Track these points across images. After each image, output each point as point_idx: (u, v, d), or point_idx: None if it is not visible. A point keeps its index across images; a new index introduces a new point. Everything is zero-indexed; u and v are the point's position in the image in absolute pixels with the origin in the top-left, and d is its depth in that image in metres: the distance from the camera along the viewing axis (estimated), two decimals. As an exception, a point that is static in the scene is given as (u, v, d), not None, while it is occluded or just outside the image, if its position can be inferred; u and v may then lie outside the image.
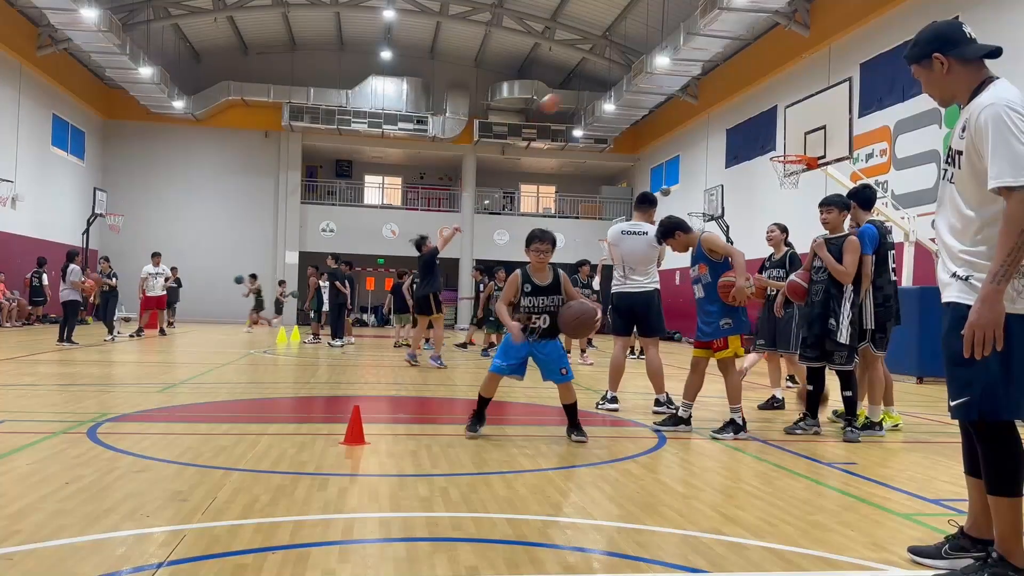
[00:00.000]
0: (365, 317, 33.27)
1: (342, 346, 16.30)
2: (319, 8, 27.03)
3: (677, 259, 11.77)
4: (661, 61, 21.74)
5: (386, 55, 29.89)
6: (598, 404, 7.83)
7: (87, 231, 26.40)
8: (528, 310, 5.91)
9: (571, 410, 5.94)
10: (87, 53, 23.15)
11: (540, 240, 6.00)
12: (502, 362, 5.89)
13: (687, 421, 6.58)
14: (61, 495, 3.82)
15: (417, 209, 32.59)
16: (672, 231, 6.68)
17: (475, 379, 10.56)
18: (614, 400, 7.76)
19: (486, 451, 5.37)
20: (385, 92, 30.70)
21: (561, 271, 6.16)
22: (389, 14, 26.21)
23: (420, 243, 12.86)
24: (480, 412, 5.94)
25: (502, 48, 30.28)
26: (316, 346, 16.69)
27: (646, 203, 8.18)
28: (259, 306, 24.08)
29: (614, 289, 7.93)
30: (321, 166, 33.55)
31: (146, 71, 24.33)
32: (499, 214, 33.07)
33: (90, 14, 19.48)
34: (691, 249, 6.63)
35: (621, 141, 31.11)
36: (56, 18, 20.13)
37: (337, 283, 16.56)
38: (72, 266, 15.04)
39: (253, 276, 24.15)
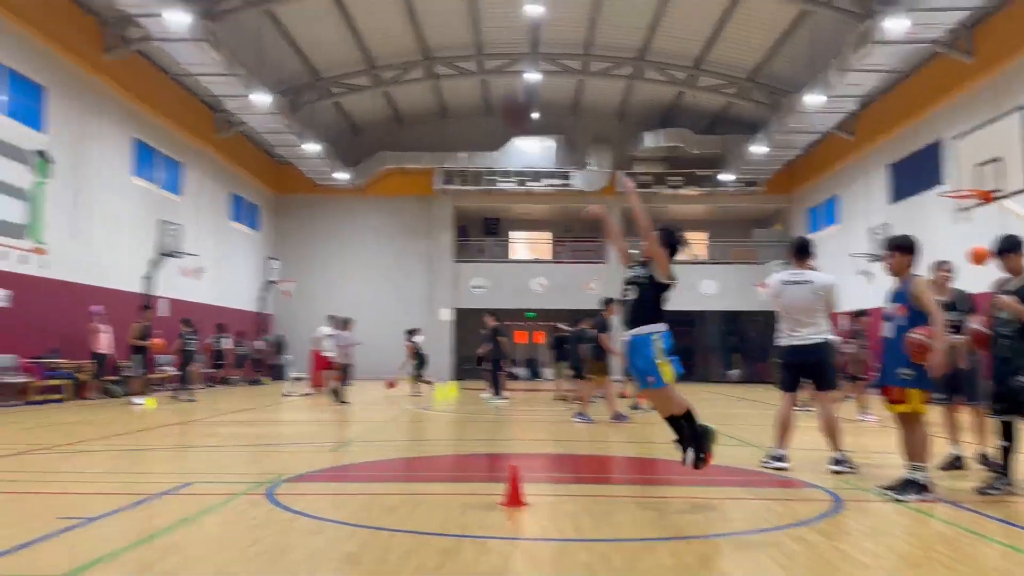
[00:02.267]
0: (517, 370, 33.63)
1: (503, 400, 16.49)
2: (467, 77, 28.24)
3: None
4: (812, 99, 21.05)
5: (531, 116, 30.64)
6: (763, 462, 7.49)
7: (262, 297, 28.42)
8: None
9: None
10: (259, 133, 25.25)
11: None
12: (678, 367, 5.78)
13: (927, 487, 5.78)
14: (247, 556, 4.07)
15: (564, 262, 32.90)
16: (903, 248, 6.19)
17: (631, 436, 10.39)
18: (781, 459, 7.39)
19: (648, 515, 5.24)
20: (530, 150, 31.51)
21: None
22: (533, 77, 26.97)
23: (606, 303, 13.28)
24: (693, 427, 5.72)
25: (644, 98, 30.37)
26: (477, 401, 16.99)
27: (804, 251, 7.85)
28: (421, 364, 20.56)
29: (781, 342, 7.61)
30: (470, 225, 34.64)
31: (311, 147, 26.21)
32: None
33: (262, 99, 21.29)
34: (896, 282, 6.20)
35: (773, 182, 30.20)
36: (232, 104, 22.14)
37: (500, 339, 16.86)
38: (343, 333, 16.90)
39: (411, 332, 20.99)
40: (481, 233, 34.70)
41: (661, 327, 5.83)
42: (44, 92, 16.72)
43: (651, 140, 30.46)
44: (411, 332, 20.57)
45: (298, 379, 20.54)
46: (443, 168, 30.99)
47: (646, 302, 5.90)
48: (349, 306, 29.69)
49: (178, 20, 16.02)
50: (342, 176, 29.71)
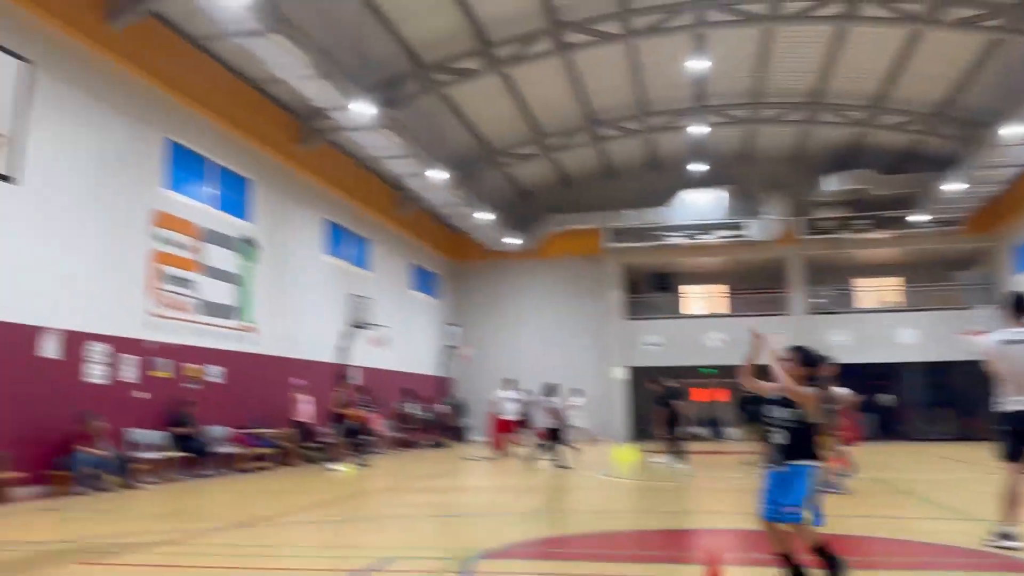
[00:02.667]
0: (699, 430, 32.57)
1: (685, 466, 15.99)
2: (631, 136, 28.39)
3: None
4: (1009, 132, 19.35)
5: (697, 168, 30.29)
6: (987, 540, 6.72)
7: (443, 362, 29.47)
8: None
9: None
10: (436, 207, 26.53)
11: None
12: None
13: None
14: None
15: (741, 315, 31.76)
16: None
17: (836, 507, 9.68)
18: (1010, 536, 6.62)
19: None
20: (698, 203, 30.98)
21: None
22: (698, 130, 26.70)
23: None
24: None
25: (820, 141, 29.16)
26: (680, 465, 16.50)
27: (1022, 306, 7.10)
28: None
29: (1005, 407, 6.89)
30: (641, 282, 34.35)
31: (484, 216, 27.19)
32: (834, 313, 30.98)
33: (439, 176, 22.42)
34: None
35: (974, 220, 27.84)
36: (412, 182, 23.46)
37: (674, 402, 16.39)
38: (553, 399, 17.27)
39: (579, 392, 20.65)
40: (652, 289, 34.30)
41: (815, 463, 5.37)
42: (249, 184, 18.50)
43: (830, 184, 29.09)
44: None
45: (478, 442, 20.96)
46: (610, 226, 31.10)
47: (800, 442, 5.34)
48: (524, 367, 30.09)
49: (363, 111, 17.28)
50: (513, 241, 30.52)
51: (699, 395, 34.11)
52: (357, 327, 20.56)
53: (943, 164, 25.71)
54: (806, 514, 5.21)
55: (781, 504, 5.22)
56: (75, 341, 12.74)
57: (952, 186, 24.29)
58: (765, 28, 21.19)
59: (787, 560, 5.33)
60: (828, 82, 24.41)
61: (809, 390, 5.36)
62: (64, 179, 12.81)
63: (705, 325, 31.16)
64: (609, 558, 6.84)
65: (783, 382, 5.35)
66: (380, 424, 23.36)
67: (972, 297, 28.62)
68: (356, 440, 18.12)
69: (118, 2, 13.57)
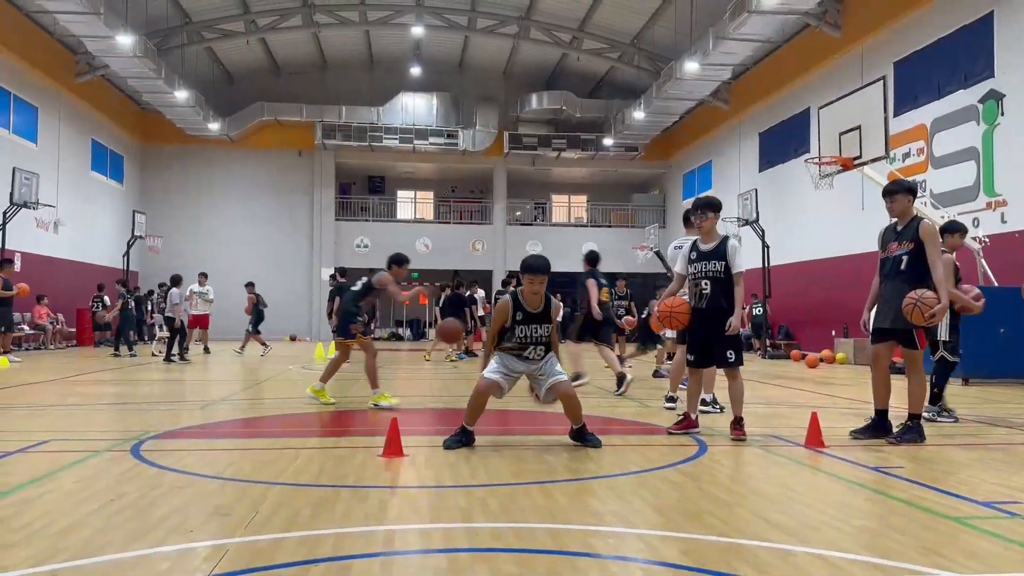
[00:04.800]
0: (401, 331, 33.46)
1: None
2: (349, 27, 27.36)
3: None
4: (691, 67, 21.63)
5: (415, 71, 30.14)
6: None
7: (127, 253, 26.92)
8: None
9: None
10: (124, 79, 23.67)
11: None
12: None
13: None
14: (106, 512, 3.88)
15: (449, 223, 32.75)
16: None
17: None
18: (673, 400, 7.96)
19: (524, 461, 5.35)
20: (415, 108, 30.98)
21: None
22: (418, 31, 26.45)
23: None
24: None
25: (530, 60, 30.38)
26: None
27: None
28: (259, 319, 19.65)
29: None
30: (354, 183, 33.88)
31: (181, 95, 24.81)
32: (531, 225, 33.09)
33: (126, 40, 19.93)
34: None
35: (652, 148, 30.99)
36: (93, 45, 20.63)
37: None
38: (174, 289, 16.10)
39: (250, 285, 20.01)
40: (365, 191, 34.00)
41: None
42: None
43: (536, 102, 30.59)
44: (250, 285, 19.75)
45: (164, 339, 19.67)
46: (323, 122, 30.03)
47: None
48: (225, 263, 28.60)
49: (29, -52, 14.69)
50: (214, 126, 28.32)
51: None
52: (20, 206, 18.01)
53: (634, 93, 28.14)
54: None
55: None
56: None
57: (638, 114, 26.71)
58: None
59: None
60: (540, 0, 25.31)
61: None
62: None
63: (415, 231, 31.69)
64: (290, 435, 6.84)
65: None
66: (50, 317, 20.98)
67: (647, 217, 32.11)
68: (20, 331, 16.09)
69: None
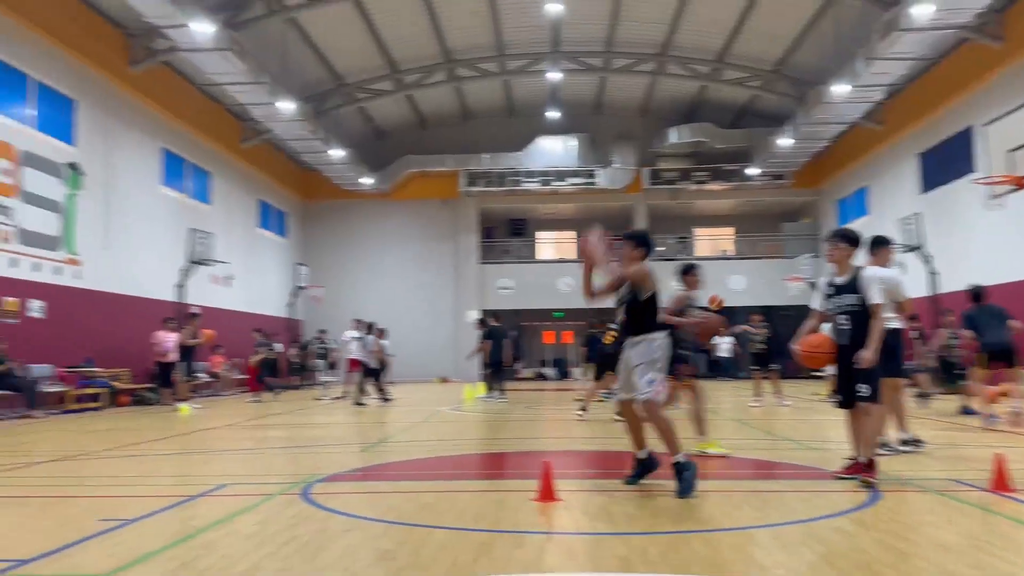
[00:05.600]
0: (546, 371, 33.66)
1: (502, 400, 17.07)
2: (488, 78, 28.27)
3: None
4: (838, 90, 20.80)
5: (553, 115, 30.69)
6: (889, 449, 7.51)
7: (292, 303, 28.69)
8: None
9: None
10: (285, 141, 25.48)
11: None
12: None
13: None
14: (282, 554, 4.10)
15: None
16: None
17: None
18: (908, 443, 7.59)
19: (682, 507, 5.21)
20: (554, 150, 31.51)
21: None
22: (554, 76, 26.96)
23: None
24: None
25: (667, 94, 30.22)
26: (500, 401, 17.02)
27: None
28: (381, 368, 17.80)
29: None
30: (497, 226, 34.69)
31: (337, 153, 26.40)
32: (675, 259, 32.55)
33: (287, 106, 21.49)
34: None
35: (801, 175, 29.89)
36: (258, 112, 22.37)
37: (494, 341, 17.30)
38: (369, 336, 17.03)
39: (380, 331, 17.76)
40: (507, 234, 34.72)
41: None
42: (74, 105, 17.02)
43: (675, 136, 30.31)
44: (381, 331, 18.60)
45: (330, 383, 20.70)
46: (467, 170, 31.08)
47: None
48: (377, 310, 29.81)
49: (202, 30, 16.21)
50: (367, 181, 29.89)
51: (549, 337, 35.14)
52: (197, 263, 19.62)
53: (778, 121, 27.34)
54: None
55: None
56: None
57: (784, 142, 25.88)
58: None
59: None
60: (676, 35, 25.22)
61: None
62: None
63: (556, 270, 31.93)
64: (447, 477, 6.99)
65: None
66: (225, 365, 22.56)
67: (797, 247, 30.89)
68: (200, 379, 17.50)
69: None
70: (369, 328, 17.52)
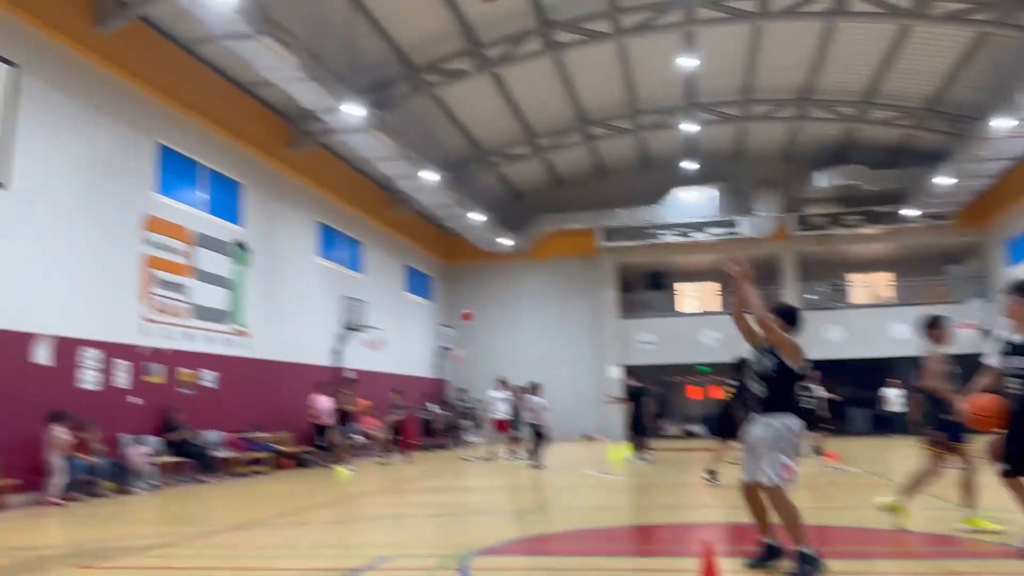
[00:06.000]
0: (693, 428, 32.72)
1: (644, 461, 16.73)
2: (622, 135, 28.42)
3: None
4: (1000, 124, 19.43)
5: (689, 166, 30.40)
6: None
7: (438, 364, 29.43)
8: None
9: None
10: (428, 208, 26.52)
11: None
12: None
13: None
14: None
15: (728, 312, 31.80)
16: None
17: (819, 500, 9.71)
18: None
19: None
20: (691, 201, 31.08)
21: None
22: (689, 128, 26.77)
23: None
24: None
25: (811, 137, 29.27)
26: (645, 462, 16.63)
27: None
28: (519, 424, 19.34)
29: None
30: (635, 280, 34.42)
31: (477, 217, 27.18)
32: (829, 308, 31.07)
33: (430, 177, 22.41)
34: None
35: (963, 215, 27.94)
36: (404, 184, 23.44)
37: (640, 401, 17.06)
38: (535, 398, 17.08)
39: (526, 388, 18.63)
40: (647, 288, 34.36)
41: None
42: (241, 188, 18.47)
43: (822, 180, 29.18)
44: (527, 388, 18.88)
45: (475, 443, 20.97)
46: (603, 226, 31.14)
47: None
48: (519, 368, 30.08)
49: (353, 113, 17.26)
50: (506, 242, 30.53)
51: (695, 393, 34.19)
52: (351, 330, 20.54)
53: (934, 158, 25.79)
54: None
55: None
56: (68, 347, 12.70)
57: (943, 180, 24.39)
58: (754, 25, 21.25)
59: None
60: (818, 78, 24.49)
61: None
62: (54, 183, 12.76)
63: (699, 323, 31.18)
64: (601, 552, 6.85)
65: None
66: (381, 426, 23.33)
67: (963, 291, 28.76)
68: (357, 442, 18.22)
69: (106, 6, 13.56)
70: (533, 388, 17.53)
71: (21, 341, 11.86)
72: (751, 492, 5.53)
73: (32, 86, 11.63)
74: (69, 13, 13.10)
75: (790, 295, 30.54)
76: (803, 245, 30.46)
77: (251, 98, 18.64)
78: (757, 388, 5.57)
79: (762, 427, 5.46)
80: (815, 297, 31.60)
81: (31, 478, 11.49)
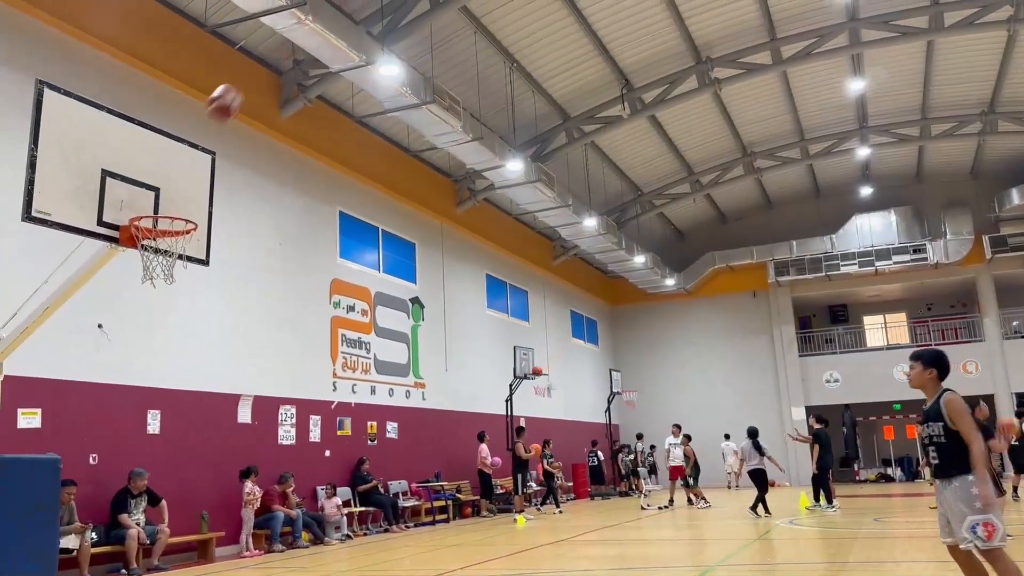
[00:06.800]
0: (890, 471, 30.43)
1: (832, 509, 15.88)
2: (790, 165, 27.42)
3: None
4: None
5: (866, 191, 28.77)
6: None
7: (608, 409, 29.23)
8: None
9: None
10: (591, 254, 26.66)
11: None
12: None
13: None
14: None
15: (930, 344, 29.43)
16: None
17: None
18: None
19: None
20: (872, 228, 29.28)
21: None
22: (864, 152, 25.43)
23: None
24: None
25: (1002, 153, 26.96)
26: (827, 512, 15.59)
27: None
28: (697, 471, 19.42)
29: None
30: (814, 315, 32.76)
31: (639, 259, 26.99)
32: (1040, 337, 28.14)
33: (591, 223, 22.57)
34: None
35: None
36: (565, 232, 23.74)
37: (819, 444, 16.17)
38: (746, 442, 16.44)
39: (686, 437, 19.36)
40: (827, 323, 32.58)
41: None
42: (413, 247, 19.41)
43: (1017, 196, 26.72)
44: (687, 437, 19.33)
45: (652, 490, 20.53)
46: (774, 260, 29.93)
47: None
48: (691, 411, 29.35)
49: (516, 168, 17.81)
50: (670, 282, 30.05)
51: (890, 433, 31.77)
52: (522, 378, 20.88)
53: None
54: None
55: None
56: (267, 405, 13.74)
57: None
58: (926, 42, 20.03)
59: None
60: (1002, 90, 22.64)
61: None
62: (249, 256, 13.96)
63: (887, 357, 29.10)
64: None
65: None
66: (558, 474, 23.42)
67: None
68: (534, 490, 18.42)
69: (288, 90, 14.86)
70: (751, 435, 16.66)
71: (227, 403, 12.96)
72: (957, 553, 5.08)
73: (225, 169, 12.84)
74: (262, 103, 14.46)
75: (990, 323, 27.99)
76: (1001, 267, 27.91)
77: (419, 162, 19.67)
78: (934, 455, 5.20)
79: (947, 489, 5.08)
80: (1016, 323, 28.76)
81: (237, 530, 12.44)
